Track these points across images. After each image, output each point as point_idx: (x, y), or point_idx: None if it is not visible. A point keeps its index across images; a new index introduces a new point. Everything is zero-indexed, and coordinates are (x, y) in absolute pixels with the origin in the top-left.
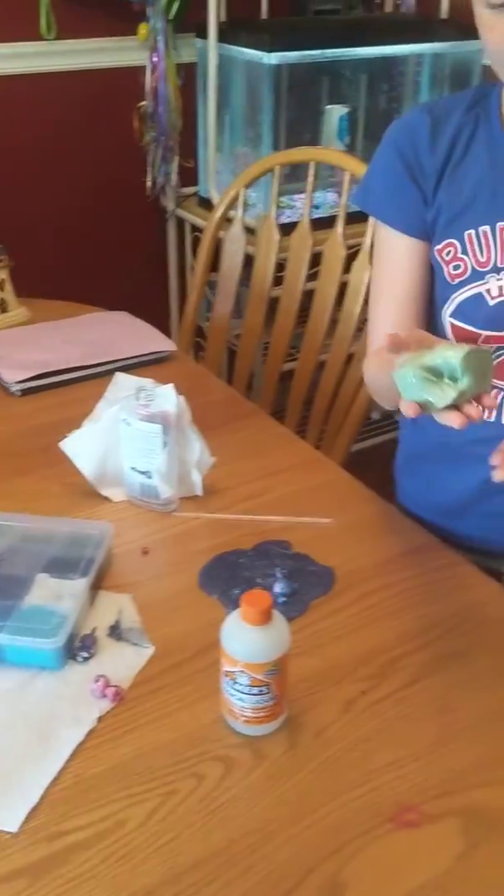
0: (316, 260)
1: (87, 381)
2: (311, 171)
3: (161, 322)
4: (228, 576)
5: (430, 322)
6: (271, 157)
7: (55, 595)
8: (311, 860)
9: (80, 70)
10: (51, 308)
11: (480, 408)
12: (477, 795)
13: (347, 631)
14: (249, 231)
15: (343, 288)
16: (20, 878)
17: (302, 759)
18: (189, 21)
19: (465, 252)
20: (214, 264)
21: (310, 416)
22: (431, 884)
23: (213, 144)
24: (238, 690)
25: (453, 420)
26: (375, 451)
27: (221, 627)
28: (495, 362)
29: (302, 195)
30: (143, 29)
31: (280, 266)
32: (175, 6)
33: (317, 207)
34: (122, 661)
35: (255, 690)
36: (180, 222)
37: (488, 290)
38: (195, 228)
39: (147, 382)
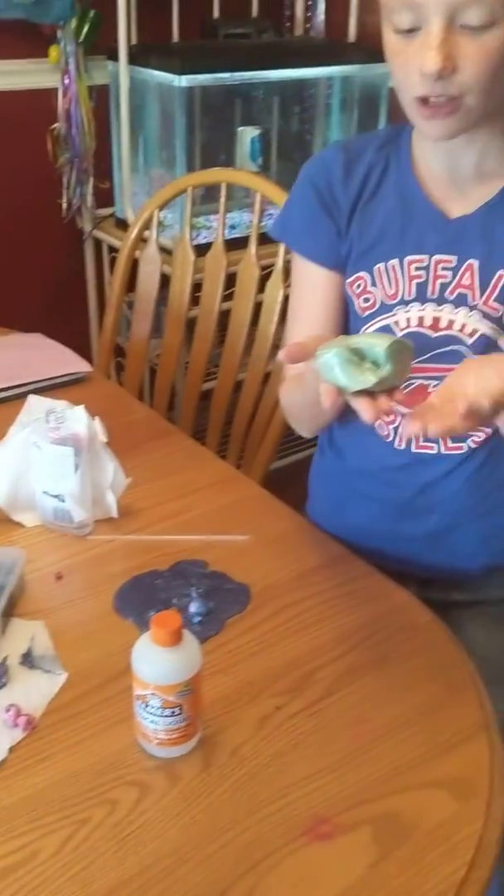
0: (231, 280)
1: (1, 404)
2: (223, 193)
3: (81, 343)
4: (144, 598)
5: None
6: (184, 179)
7: None
8: (225, 880)
9: None
10: None
11: (393, 404)
12: (390, 803)
13: (263, 647)
14: (167, 252)
15: (258, 307)
16: None
17: (217, 778)
18: (100, 43)
19: (374, 285)
20: (132, 284)
21: (230, 435)
22: (345, 894)
23: (129, 166)
24: (150, 713)
25: (366, 410)
26: (295, 467)
27: (132, 650)
28: (405, 392)
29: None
30: (53, 51)
31: (197, 286)
32: (85, 29)
33: (234, 227)
34: (35, 690)
35: (168, 712)
36: (98, 243)
37: (396, 322)
38: (112, 249)
39: (58, 404)
